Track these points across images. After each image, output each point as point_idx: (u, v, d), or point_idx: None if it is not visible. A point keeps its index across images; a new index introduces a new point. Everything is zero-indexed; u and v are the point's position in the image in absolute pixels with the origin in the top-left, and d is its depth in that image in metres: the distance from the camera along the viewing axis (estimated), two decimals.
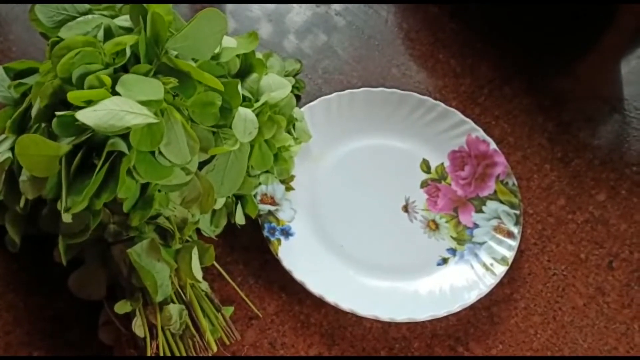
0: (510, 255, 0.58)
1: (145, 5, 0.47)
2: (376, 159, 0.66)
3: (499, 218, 0.61)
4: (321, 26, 0.75)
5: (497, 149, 0.64)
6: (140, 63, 0.46)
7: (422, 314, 0.55)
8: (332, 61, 0.72)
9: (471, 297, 0.56)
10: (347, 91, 0.66)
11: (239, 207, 0.58)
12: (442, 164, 0.65)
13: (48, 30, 0.52)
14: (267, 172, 0.59)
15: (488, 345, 0.56)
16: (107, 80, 0.42)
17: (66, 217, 0.44)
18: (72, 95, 0.41)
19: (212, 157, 0.52)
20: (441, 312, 0.55)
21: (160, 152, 0.44)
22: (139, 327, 0.49)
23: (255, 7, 0.76)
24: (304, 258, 0.58)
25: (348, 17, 0.76)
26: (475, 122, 0.66)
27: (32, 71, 0.55)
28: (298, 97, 0.68)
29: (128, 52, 0.46)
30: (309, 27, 0.75)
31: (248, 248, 0.60)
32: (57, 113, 0.41)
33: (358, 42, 0.74)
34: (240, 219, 0.58)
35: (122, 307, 0.49)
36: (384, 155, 0.65)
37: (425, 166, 0.65)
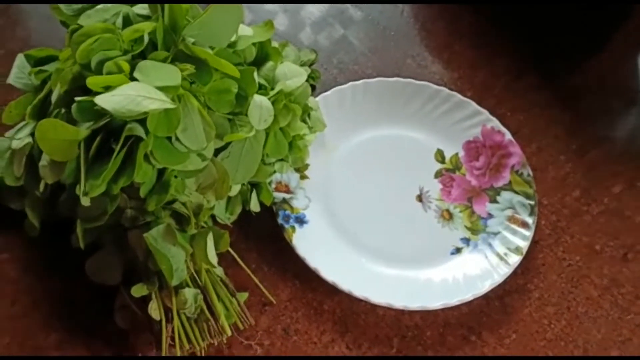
0: (524, 245, 0.58)
1: None
2: (390, 149, 0.66)
3: (514, 208, 0.61)
4: (337, 18, 0.75)
5: (513, 139, 0.64)
6: (157, 50, 0.47)
7: (435, 302, 0.55)
8: (348, 52, 0.72)
9: (484, 287, 0.56)
10: (361, 81, 0.66)
11: (254, 194, 0.58)
12: (457, 154, 0.65)
13: (68, 18, 0.53)
14: (282, 160, 0.60)
15: (501, 335, 0.56)
16: (125, 66, 0.43)
17: (85, 201, 0.45)
18: (91, 81, 0.42)
19: (228, 144, 0.52)
20: (454, 301, 0.55)
21: (176, 138, 0.45)
22: (154, 310, 0.50)
23: None
24: (318, 245, 0.58)
25: (364, 9, 0.76)
26: (490, 113, 0.65)
27: (51, 59, 0.55)
28: (313, 87, 0.68)
29: (146, 39, 0.46)
30: (325, 19, 0.75)
31: (262, 235, 0.60)
32: (77, 98, 0.42)
33: (374, 33, 0.74)
34: (255, 206, 0.58)
35: (138, 290, 0.50)
36: (399, 145, 0.66)
37: (440, 156, 0.65)
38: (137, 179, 0.44)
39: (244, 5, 0.76)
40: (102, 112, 0.42)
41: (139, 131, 0.44)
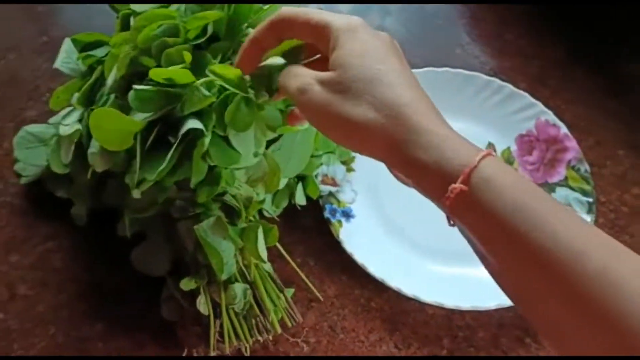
0: None
1: None
2: None
3: (570, 206, 0.58)
4: (382, 6, 0.73)
5: (568, 133, 0.61)
6: (218, 41, 0.45)
7: (489, 302, 0.53)
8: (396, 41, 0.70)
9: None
10: None
11: (300, 187, 0.57)
12: (509, 148, 0.63)
13: (118, 3, 0.52)
14: (329, 152, 0.58)
15: None
16: (188, 57, 0.41)
17: (136, 193, 0.44)
18: (155, 72, 0.40)
19: (279, 136, 0.51)
20: (508, 301, 0.53)
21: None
22: (203, 305, 0.49)
23: None
24: (365, 241, 0.56)
25: None
26: (544, 105, 0.63)
27: (99, 44, 0.54)
28: None
29: (210, 29, 0.44)
30: (370, 7, 0.73)
31: (308, 229, 0.59)
32: (135, 86, 0.40)
33: (421, 21, 0.72)
34: (301, 200, 0.57)
35: (187, 284, 0.49)
36: None
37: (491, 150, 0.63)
38: (194, 177, 0.43)
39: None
40: (162, 103, 0.41)
41: (197, 124, 0.42)
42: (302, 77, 0.37)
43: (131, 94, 0.40)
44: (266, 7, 0.47)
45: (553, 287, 0.29)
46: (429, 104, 0.35)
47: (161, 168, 0.40)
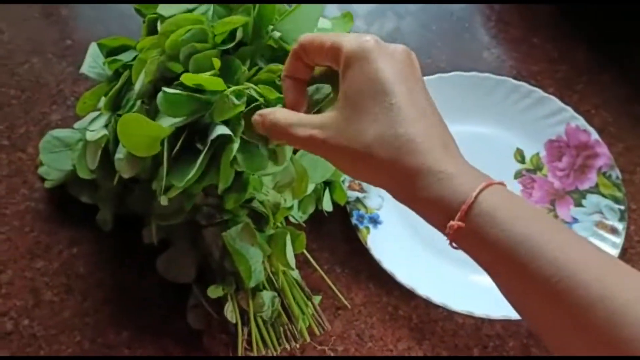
0: (615, 253, 0.54)
1: None
2: (467, 147, 0.61)
3: (601, 213, 0.57)
4: (407, 10, 0.72)
5: (599, 139, 0.60)
6: (244, 45, 0.44)
7: None
8: (420, 45, 0.69)
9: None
10: (436, 75, 0.63)
11: (327, 193, 0.56)
12: (538, 153, 0.62)
13: (143, 7, 0.51)
14: None
15: None
16: (217, 63, 0.41)
17: (164, 200, 0.44)
18: (187, 77, 0.40)
19: None
20: None
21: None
22: (230, 313, 0.48)
23: None
24: (393, 247, 0.56)
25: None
26: (574, 111, 0.62)
27: (124, 48, 0.54)
28: None
29: (239, 35, 0.44)
30: (395, 10, 0.72)
31: (334, 236, 0.58)
32: (165, 89, 0.40)
33: (447, 24, 0.71)
34: (328, 206, 0.56)
35: (214, 291, 0.48)
36: (476, 143, 0.62)
37: (520, 156, 0.62)
38: (222, 183, 0.42)
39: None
40: (192, 108, 0.40)
41: (226, 130, 0.42)
42: (300, 128, 0.37)
43: (160, 96, 0.40)
44: (291, 7, 0.46)
45: (555, 315, 0.30)
46: (434, 135, 0.34)
47: (191, 174, 0.40)
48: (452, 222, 0.32)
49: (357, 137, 0.35)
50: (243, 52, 0.43)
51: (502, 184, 0.34)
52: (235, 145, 0.41)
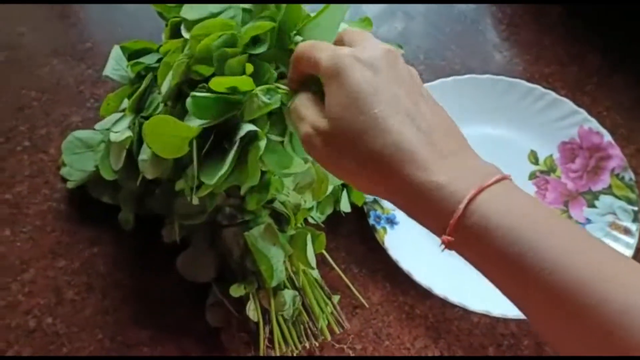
0: (628, 253, 0.55)
1: None
2: (481, 149, 0.61)
3: (614, 214, 0.58)
4: (421, 12, 0.73)
5: (612, 140, 0.61)
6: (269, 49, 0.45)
7: None
8: (434, 47, 0.70)
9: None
10: (451, 78, 0.64)
11: (344, 194, 0.57)
12: (551, 155, 0.62)
13: (166, 10, 0.52)
14: None
15: None
16: (250, 68, 0.41)
17: (195, 199, 0.44)
18: (216, 82, 0.40)
19: None
20: None
21: (288, 141, 0.43)
22: (252, 311, 0.49)
23: None
24: (409, 247, 0.56)
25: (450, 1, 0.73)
26: (587, 112, 0.63)
27: (146, 51, 0.55)
28: None
29: (268, 41, 0.44)
30: (408, 13, 0.73)
31: (351, 236, 0.59)
32: (194, 93, 0.40)
33: (461, 26, 0.71)
34: (345, 207, 0.57)
35: (236, 290, 0.49)
36: (490, 144, 0.63)
37: (533, 157, 0.63)
38: (249, 181, 0.43)
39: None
40: (220, 110, 0.41)
41: (253, 127, 0.42)
42: (305, 124, 0.36)
43: (189, 101, 0.40)
44: (313, 14, 0.47)
45: (553, 314, 0.29)
46: (423, 140, 0.33)
47: (223, 171, 0.40)
48: (443, 237, 0.32)
49: (345, 157, 0.34)
50: (267, 55, 0.44)
51: (500, 180, 0.32)
52: (263, 143, 0.42)
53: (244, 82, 0.40)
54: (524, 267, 0.29)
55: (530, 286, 0.29)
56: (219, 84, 0.40)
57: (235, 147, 0.40)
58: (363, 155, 0.33)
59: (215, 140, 0.43)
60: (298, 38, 0.46)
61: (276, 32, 0.43)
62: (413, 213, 0.34)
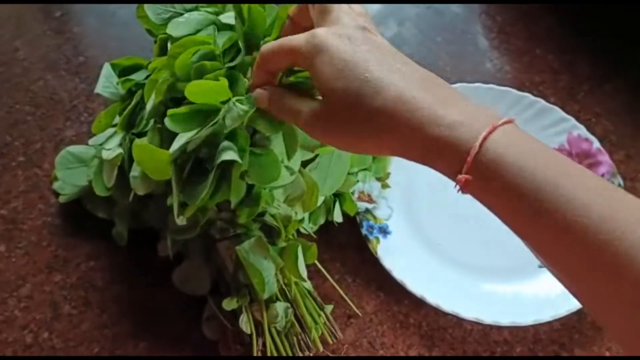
0: None
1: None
2: None
3: None
4: (412, 20, 0.74)
5: (601, 147, 0.62)
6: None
7: (527, 318, 0.53)
8: (425, 56, 0.70)
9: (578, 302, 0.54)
10: None
11: (337, 204, 0.57)
12: None
13: (154, 27, 0.53)
14: (364, 169, 0.58)
15: (594, 352, 0.54)
16: (224, 81, 0.42)
17: (181, 220, 0.45)
18: (192, 86, 0.41)
19: (315, 155, 0.51)
20: (546, 317, 0.53)
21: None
22: (245, 324, 0.49)
23: None
24: (402, 257, 0.57)
25: (443, 12, 0.74)
26: (575, 120, 0.63)
27: (137, 67, 0.55)
28: None
29: (243, 51, 0.45)
30: (400, 20, 0.74)
31: (344, 246, 0.59)
32: (170, 111, 0.41)
33: (451, 36, 0.72)
34: (338, 217, 0.57)
35: (229, 303, 0.49)
36: None
37: None
38: (234, 198, 0.44)
39: None
40: (201, 120, 0.42)
41: (233, 155, 0.43)
42: (299, 113, 0.38)
43: (167, 120, 0.41)
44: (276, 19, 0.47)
45: (589, 262, 0.29)
46: (422, 90, 0.34)
47: (203, 194, 0.41)
48: (460, 176, 0.32)
49: (345, 127, 0.35)
50: (241, 64, 0.44)
51: (510, 121, 0.33)
52: (244, 160, 0.42)
53: (219, 87, 0.41)
54: (540, 201, 0.29)
55: (546, 221, 0.30)
56: (195, 86, 0.40)
57: (214, 171, 0.41)
58: (366, 116, 0.34)
59: (197, 160, 0.44)
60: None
61: (242, 36, 0.44)
62: (427, 159, 0.34)
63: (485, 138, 0.31)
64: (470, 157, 0.31)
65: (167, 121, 0.43)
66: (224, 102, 0.42)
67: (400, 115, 0.33)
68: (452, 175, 0.33)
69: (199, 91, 0.42)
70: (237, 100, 0.42)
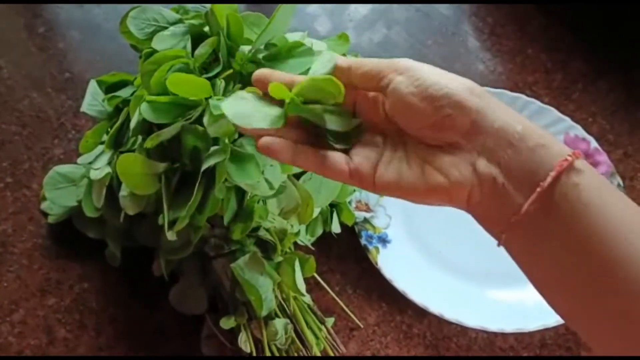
0: None
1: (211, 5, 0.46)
2: None
3: None
4: (402, 24, 0.73)
5: (599, 147, 0.61)
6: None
7: (533, 324, 0.52)
8: (416, 59, 0.69)
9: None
10: None
11: (334, 215, 0.56)
12: None
13: (139, 42, 0.51)
14: None
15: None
16: (208, 86, 0.41)
17: (171, 235, 0.44)
18: (174, 77, 0.40)
19: None
20: (553, 322, 0.52)
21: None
22: (244, 343, 0.48)
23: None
24: (403, 266, 0.56)
25: (433, 15, 0.73)
26: (571, 120, 0.62)
27: (123, 84, 0.54)
28: None
29: (222, 60, 0.44)
30: (389, 24, 0.73)
31: (344, 256, 0.58)
32: (148, 98, 0.41)
33: (442, 38, 0.71)
34: (335, 227, 0.56)
35: (227, 322, 0.48)
36: None
37: None
38: (218, 194, 0.42)
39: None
40: (177, 112, 0.41)
41: (216, 159, 0.42)
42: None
43: (143, 107, 0.40)
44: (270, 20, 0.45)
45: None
46: (510, 120, 0.34)
47: (190, 202, 0.40)
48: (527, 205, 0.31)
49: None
50: (225, 75, 0.43)
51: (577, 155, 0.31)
52: (225, 163, 0.41)
53: (200, 82, 0.39)
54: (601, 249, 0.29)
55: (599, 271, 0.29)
56: (177, 77, 0.39)
57: (199, 179, 0.40)
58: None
59: (184, 175, 0.42)
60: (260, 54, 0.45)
61: (225, 48, 0.43)
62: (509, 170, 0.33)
63: (567, 166, 0.31)
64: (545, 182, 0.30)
65: (143, 108, 0.42)
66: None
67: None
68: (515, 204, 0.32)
69: (179, 82, 0.40)
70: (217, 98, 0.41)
